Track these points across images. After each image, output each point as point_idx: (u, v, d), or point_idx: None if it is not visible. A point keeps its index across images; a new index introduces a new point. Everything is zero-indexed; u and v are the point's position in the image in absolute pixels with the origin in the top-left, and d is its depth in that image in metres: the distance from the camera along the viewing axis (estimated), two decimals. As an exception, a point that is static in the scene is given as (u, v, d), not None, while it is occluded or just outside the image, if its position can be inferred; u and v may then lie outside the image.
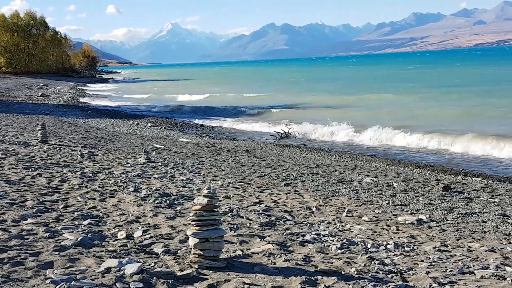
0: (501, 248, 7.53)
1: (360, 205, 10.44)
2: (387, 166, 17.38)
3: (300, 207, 9.77)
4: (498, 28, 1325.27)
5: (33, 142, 15.89)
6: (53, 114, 32.25)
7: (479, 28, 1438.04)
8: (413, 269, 6.13)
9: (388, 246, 7.20)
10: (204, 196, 5.59)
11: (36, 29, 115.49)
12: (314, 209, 9.69)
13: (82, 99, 52.60)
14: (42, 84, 67.66)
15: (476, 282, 5.76)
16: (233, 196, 10.24)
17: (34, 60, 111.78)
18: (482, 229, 8.83)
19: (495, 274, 6.06)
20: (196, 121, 35.15)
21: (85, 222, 7.08)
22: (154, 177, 11.58)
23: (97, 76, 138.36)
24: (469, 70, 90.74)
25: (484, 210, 10.44)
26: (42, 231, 6.40)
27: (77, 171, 11.28)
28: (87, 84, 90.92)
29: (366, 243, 7.27)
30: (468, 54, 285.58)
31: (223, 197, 9.98)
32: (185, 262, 5.65)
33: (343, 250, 6.79)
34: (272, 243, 6.72)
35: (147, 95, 63.23)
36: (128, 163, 13.58)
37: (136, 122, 31.39)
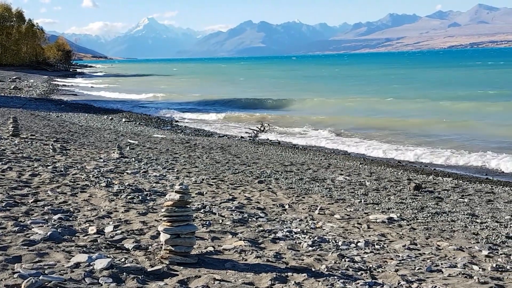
0: (469, 247, 7.66)
1: (332, 203, 10.51)
2: (360, 165, 17.53)
3: (273, 205, 9.80)
4: (472, 31, 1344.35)
5: (4, 136, 15.64)
6: (26, 107, 31.80)
7: (454, 30, 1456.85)
8: (383, 267, 6.20)
9: (358, 244, 7.26)
10: (176, 192, 5.57)
11: (10, 21, 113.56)
12: (287, 206, 9.73)
13: (55, 93, 51.92)
14: (14, 77, 66.64)
15: (444, 280, 5.86)
16: (206, 193, 10.22)
17: (7, 52, 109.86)
18: (451, 228, 8.96)
19: (463, 272, 6.16)
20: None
21: (55, 217, 6.99)
22: (127, 173, 11.50)
23: (71, 70, 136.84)
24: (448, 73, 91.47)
25: (454, 209, 10.61)
26: (11, 225, 6.31)
27: (48, 166, 11.14)
28: (61, 78, 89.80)
29: (337, 241, 7.33)
30: (444, 55, 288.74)
31: (196, 194, 9.95)
32: (156, 258, 5.63)
33: (314, 247, 6.84)
34: (244, 240, 6.73)
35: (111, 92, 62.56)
36: (101, 158, 13.46)
37: (110, 117, 31.12)
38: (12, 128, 15.96)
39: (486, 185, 14.54)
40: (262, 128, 28.52)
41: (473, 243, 7.99)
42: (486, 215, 10.24)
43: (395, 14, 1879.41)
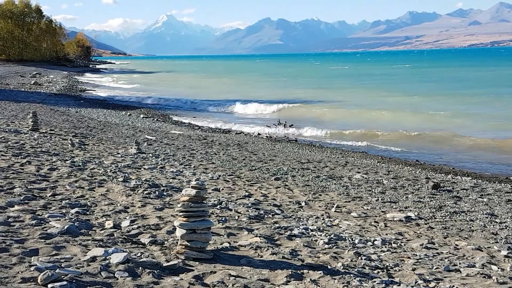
0: (488, 247, 7.56)
1: (349, 201, 10.45)
2: (378, 163, 17.40)
3: (289, 202, 9.78)
4: (493, 29, 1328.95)
5: (24, 130, 15.80)
6: (45, 102, 32.04)
7: (474, 28, 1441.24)
8: (400, 266, 6.15)
9: (375, 242, 7.21)
10: (192, 187, 5.57)
11: (30, 17, 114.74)
12: (303, 203, 9.69)
13: (74, 89, 52.29)
14: (35, 73, 67.23)
15: (462, 280, 5.78)
16: (222, 189, 10.22)
17: (28, 48, 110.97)
18: (470, 227, 8.86)
19: (481, 272, 6.09)
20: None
21: (73, 211, 7.04)
22: (144, 168, 11.54)
23: (90, 66, 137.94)
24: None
25: (473, 209, 10.48)
26: (29, 219, 6.36)
27: (67, 160, 11.22)
28: (81, 74, 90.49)
29: (353, 239, 7.28)
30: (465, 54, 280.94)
31: (212, 190, 9.96)
32: (171, 253, 5.64)
33: (330, 245, 6.80)
34: (259, 236, 6.71)
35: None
36: (118, 153, 13.53)
37: (128, 113, 31.27)
38: (32, 123, 16.13)
39: (505, 184, 14.34)
40: (280, 125, 28.45)
41: (492, 243, 7.89)
42: (505, 215, 10.10)
43: (415, 12, 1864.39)
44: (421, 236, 8.05)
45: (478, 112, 32.68)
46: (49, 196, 7.83)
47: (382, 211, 9.72)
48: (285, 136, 26.08)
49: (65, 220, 6.52)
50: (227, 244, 6.23)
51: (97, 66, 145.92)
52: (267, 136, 25.73)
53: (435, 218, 9.43)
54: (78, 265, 4.93)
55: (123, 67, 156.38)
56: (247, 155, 16.56)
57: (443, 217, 9.56)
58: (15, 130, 15.49)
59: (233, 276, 5.08)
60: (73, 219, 6.59)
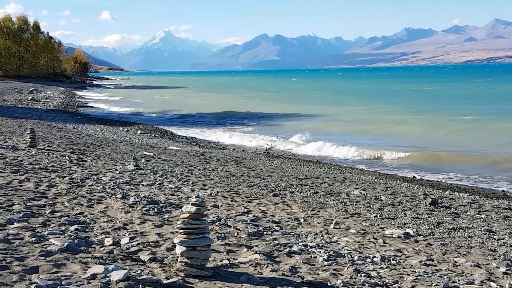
0: (486, 264, 7.57)
1: (348, 218, 10.46)
2: (376, 180, 17.44)
3: (288, 218, 9.78)
4: (489, 46, 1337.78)
5: (22, 147, 15.79)
6: (43, 118, 32.07)
7: (470, 45, 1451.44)
8: (399, 283, 6.15)
9: (374, 259, 7.21)
10: (192, 204, 5.58)
11: (28, 34, 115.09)
12: (302, 220, 9.70)
13: (71, 105, 52.35)
14: (32, 89, 67.31)
15: (461, 296, 5.79)
16: (221, 205, 10.22)
17: (25, 64, 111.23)
18: (468, 244, 8.87)
19: (480, 289, 6.10)
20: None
21: (72, 228, 7.04)
22: (143, 184, 11.54)
23: (87, 82, 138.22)
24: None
25: (471, 225, 10.50)
26: (29, 236, 6.36)
27: (65, 177, 11.22)
28: (78, 90, 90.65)
29: (353, 256, 7.28)
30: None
31: (211, 206, 9.96)
32: (171, 270, 5.63)
33: (329, 261, 6.80)
34: (259, 253, 6.71)
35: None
36: (116, 169, 13.53)
37: (126, 129, 31.31)
38: (30, 139, 16.13)
39: (503, 201, 14.39)
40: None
41: (491, 259, 7.90)
42: (503, 231, 10.12)
43: (411, 28, 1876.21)
44: (419, 252, 8.06)
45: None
46: (48, 213, 7.82)
47: (381, 228, 9.72)
48: (281, 153, 26.11)
49: (64, 237, 6.52)
50: (226, 261, 6.23)
51: (94, 82, 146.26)
52: (266, 151, 25.76)
53: (434, 235, 9.45)
54: (78, 282, 4.92)
55: (120, 83, 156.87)
56: (245, 171, 16.58)
57: (442, 234, 9.57)
58: (13, 147, 15.49)
59: (233, 293, 5.09)
60: (72, 236, 6.58)
